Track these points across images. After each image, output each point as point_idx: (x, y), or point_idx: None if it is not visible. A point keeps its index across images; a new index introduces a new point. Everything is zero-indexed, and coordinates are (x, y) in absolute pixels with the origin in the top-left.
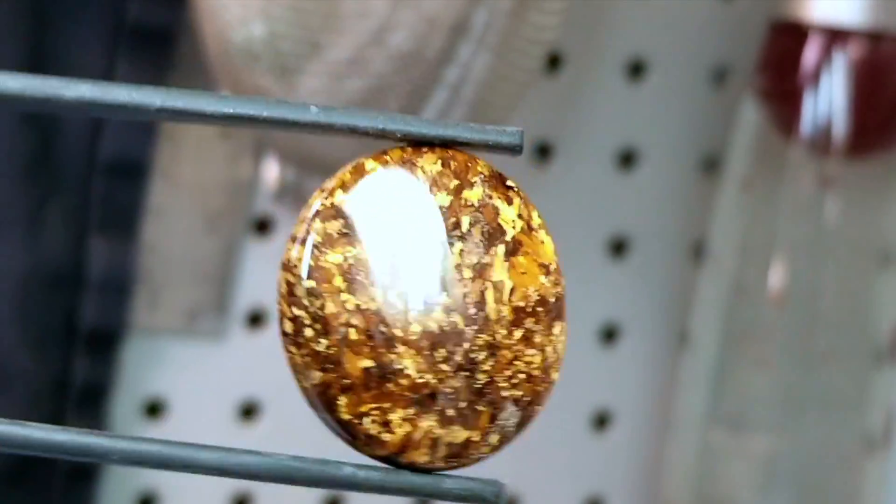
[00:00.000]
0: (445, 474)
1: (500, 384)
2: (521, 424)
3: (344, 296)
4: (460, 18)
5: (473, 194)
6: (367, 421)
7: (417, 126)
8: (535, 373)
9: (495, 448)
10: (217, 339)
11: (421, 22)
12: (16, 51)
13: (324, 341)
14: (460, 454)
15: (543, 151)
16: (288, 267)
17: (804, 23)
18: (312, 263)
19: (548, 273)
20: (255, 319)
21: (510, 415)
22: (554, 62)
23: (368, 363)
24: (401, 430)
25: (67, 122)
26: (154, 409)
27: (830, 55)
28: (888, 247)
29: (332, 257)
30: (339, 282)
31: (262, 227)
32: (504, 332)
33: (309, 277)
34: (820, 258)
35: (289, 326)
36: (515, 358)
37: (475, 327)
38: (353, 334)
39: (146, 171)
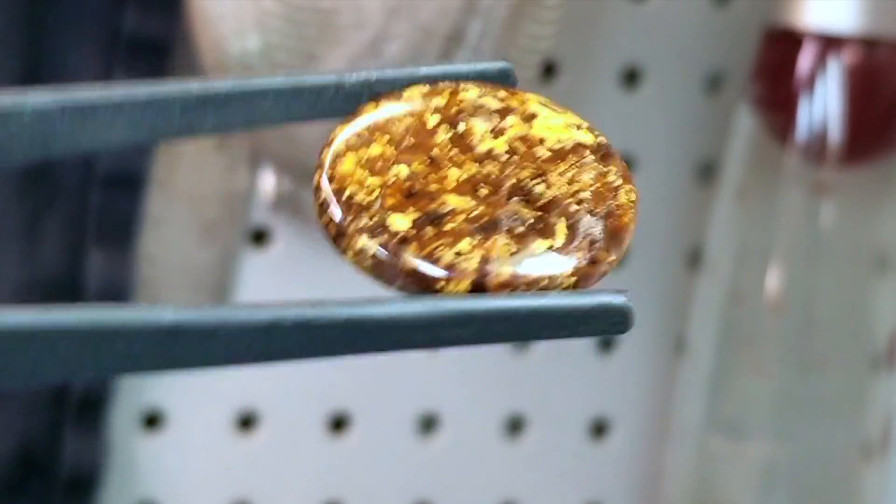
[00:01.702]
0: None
1: (566, 200)
2: (614, 237)
3: (370, 179)
4: (455, 28)
5: (468, 95)
6: (439, 254)
7: (414, 71)
8: (602, 189)
9: (589, 257)
10: None
11: (416, 32)
12: (12, 61)
13: (364, 218)
14: (546, 265)
15: None
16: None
17: (798, 30)
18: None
19: (578, 126)
20: None
21: (590, 224)
22: (549, 70)
23: (414, 215)
24: (476, 254)
25: None
26: (152, 420)
27: (825, 62)
28: (884, 253)
29: (350, 158)
30: (360, 174)
31: (259, 237)
32: (548, 165)
33: (331, 179)
34: (816, 264)
35: (326, 220)
36: (570, 182)
37: (513, 165)
38: (389, 201)
39: (143, 182)
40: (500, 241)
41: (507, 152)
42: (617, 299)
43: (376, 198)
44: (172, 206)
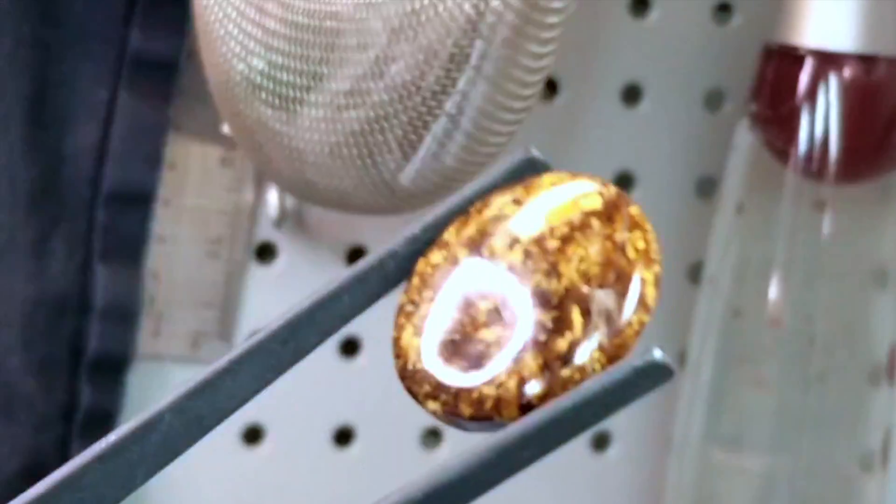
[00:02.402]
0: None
1: (577, 285)
2: (625, 295)
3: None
4: (457, 49)
5: (489, 212)
6: (485, 398)
7: None
8: (609, 255)
9: (610, 333)
10: None
11: (418, 53)
12: (19, 80)
13: (425, 385)
14: (573, 357)
15: None
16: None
17: (798, 47)
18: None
19: (585, 195)
20: None
21: (602, 298)
22: (550, 87)
23: (461, 365)
24: (513, 379)
25: (70, 152)
26: None
27: (824, 79)
28: (883, 268)
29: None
30: (415, 342)
31: (264, 253)
32: (558, 255)
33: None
34: (816, 279)
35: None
36: (580, 261)
37: (529, 272)
38: (440, 360)
39: (150, 199)
40: (528, 359)
41: (522, 261)
42: (647, 358)
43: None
44: (178, 223)
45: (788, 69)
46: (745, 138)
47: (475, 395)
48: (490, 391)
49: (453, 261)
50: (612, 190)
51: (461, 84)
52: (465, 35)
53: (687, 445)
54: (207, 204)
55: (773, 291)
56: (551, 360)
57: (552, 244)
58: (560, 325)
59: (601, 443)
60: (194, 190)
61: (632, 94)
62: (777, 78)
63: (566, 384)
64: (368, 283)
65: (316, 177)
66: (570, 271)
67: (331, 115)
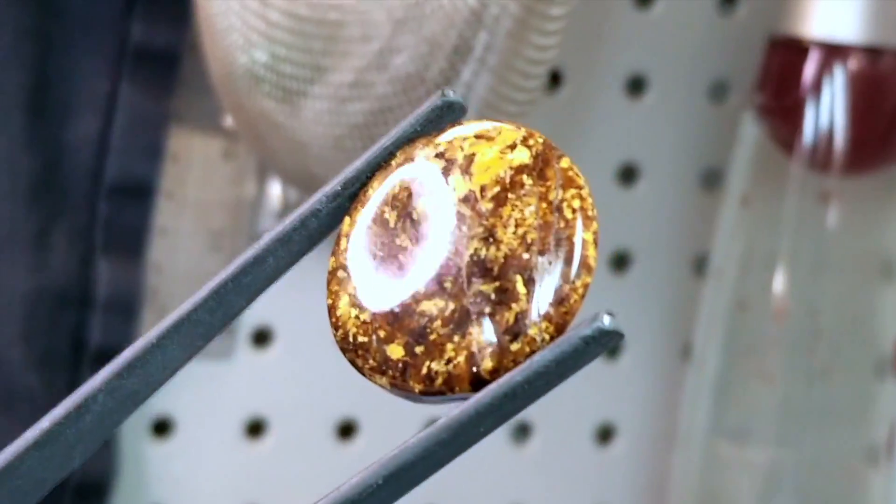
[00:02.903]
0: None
1: (517, 252)
2: (569, 262)
3: (362, 315)
4: (461, 40)
5: (413, 166)
6: (434, 374)
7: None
8: (547, 218)
9: (555, 302)
10: (223, 358)
11: (422, 44)
12: (19, 72)
13: (370, 360)
14: (520, 330)
15: None
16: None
17: (803, 38)
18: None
19: (511, 148)
20: (261, 338)
21: (545, 265)
22: (554, 79)
23: (403, 340)
24: (462, 354)
25: (72, 144)
26: (161, 428)
27: (830, 70)
28: (889, 260)
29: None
30: (353, 312)
31: None
32: (492, 218)
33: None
34: (821, 271)
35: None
36: (517, 224)
37: (464, 237)
38: (381, 333)
39: (151, 191)
40: (475, 333)
41: (456, 225)
42: (596, 326)
43: (371, 333)
44: (180, 216)
45: (793, 61)
46: (750, 130)
47: (423, 371)
48: (439, 367)
49: (383, 222)
50: (539, 141)
51: (465, 76)
52: (469, 27)
53: (692, 438)
54: (210, 196)
55: (779, 284)
56: (499, 334)
57: (485, 206)
58: (504, 295)
59: (606, 436)
60: (196, 182)
61: (636, 86)
62: (782, 70)
63: (516, 357)
64: (292, 243)
65: (319, 169)
66: (507, 237)
67: (334, 107)
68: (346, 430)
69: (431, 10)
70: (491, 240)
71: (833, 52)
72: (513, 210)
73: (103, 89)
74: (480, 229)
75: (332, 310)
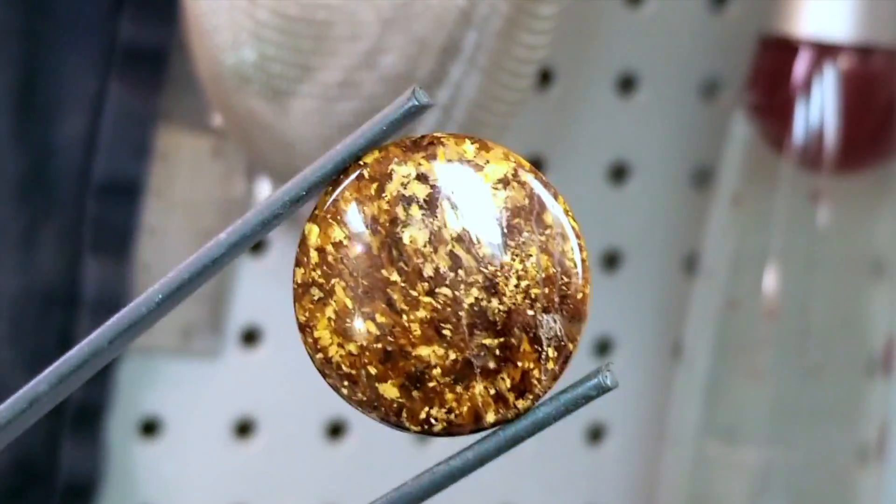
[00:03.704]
0: (538, 406)
1: (521, 309)
2: (574, 318)
3: (347, 346)
4: (450, 40)
5: (392, 186)
6: (433, 420)
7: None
8: (549, 272)
9: (559, 358)
10: (212, 358)
11: (411, 44)
12: (8, 70)
13: (358, 393)
14: (527, 388)
15: (535, 165)
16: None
17: (794, 37)
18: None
19: (504, 185)
20: (250, 337)
21: (550, 323)
22: (545, 77)
23: (398, 381)
24: (465, 406)
25: (60, 143)
26: (150, 428)
27: (820, 69)
28: (879, 259)
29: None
30: (336, 340)
31: (256, 245)
32: (492, 267)
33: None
34: (812, 270)
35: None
36: (519, 277)
37: (462, 283)
38: (371, 370)
39: (139, 190)
40: (480, 388)
41: (450, 268)
42: (599, 387)
43: (360, 367)
44: (169, 215)
45: (784, 59)
46: (740, 129)
47: (422, 416)
48: (439, 415)
49: (364, 246)
50: (526, 176)
51: (455, 75)
52: (458, 26)
53: (682, 438)
54: (198, 196)
55: (769, 282)
56: (504, 391)
57: (484, 251)
58: (509, 352)
59: (596, 435)
60: (185, 181)
61: (627, 85)
62: (773, 68)
63: (520, 412)
64: (249, 241)
65: (307, 166)
66: (510, 290)
67: (323, 106)
68: (336, 430)
69: (420, 10)
70: (493, 290)
71: (823, 51)
72: (514, 260)
73: (91, 88)
74: (480, 277)
75: (306, 328)
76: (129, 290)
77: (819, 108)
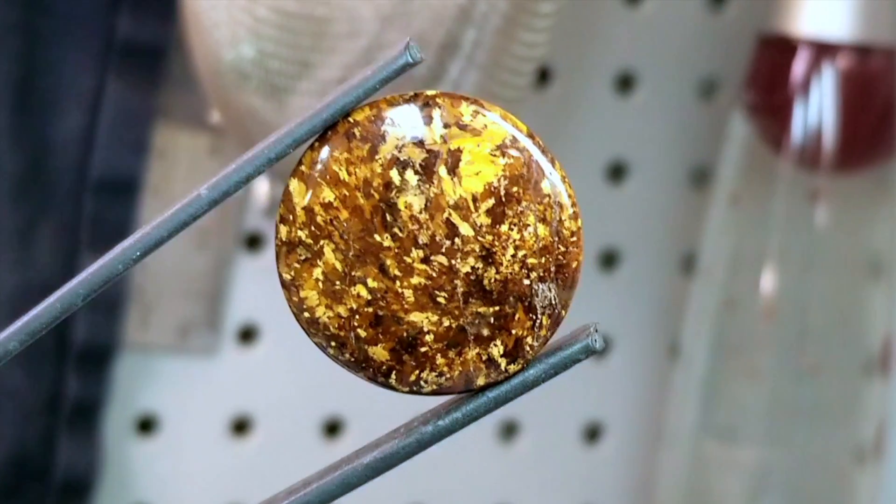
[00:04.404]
0: (526, 368)
1: (517, 278)
2: (565, 286)
3: (336, 308)
4: (449, 37)
5: (386, 148)
6: (423, 382)
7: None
8: (546, 241)
9: (552, 325)
10: (209, 355)
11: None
12: (7, 66)
13: (346, 354)
14: (519, 354)
15: None
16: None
17: (792, 37)
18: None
19: (502, 152)
20: (247, 335)
21: (545, 291)
22: (543, 76)
23: (389, 345)
24: (456, 370)
25: (57, 140)
26: (146, 425)
27: (819, 69)
28: (877, 259)
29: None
30: (324, 301)
31: (253, 242)
32: (490, 236)
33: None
34: (809, 270)
35: (331, 351)
36: (516, 247)
37: (458, 252)
38: (361, 333)
39: (137, 187)
40: (472, 354)
41: (447, 236)
42: (588, 349)
43: (349, 330)
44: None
45: (783, 59)
46: (739, 128)
47: (412, 378)
48: (429, 377)
49: (355, 210)
50: (528, 142)
51: (453, 72)
52: (457, 23)
53: (680, 437)
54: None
55: (767, 282)
56: (497, 357)
57: (480, 220)
58: (503, 321)
59: (593, 435)
60: (183, 178)
61: (625, 84)
62: (771, 68)
63: (510, 373)
64: (225, 199)
65: None
66: (507, 260)
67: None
68: (333, 428)
69: (419, 7)
70: (489, 260)
71: (822, 51)
72: (511, 230)
73: (89, 85)
74: (477, 246)
75: (291, 287)
76: (126, 287)
77: (817, 107)
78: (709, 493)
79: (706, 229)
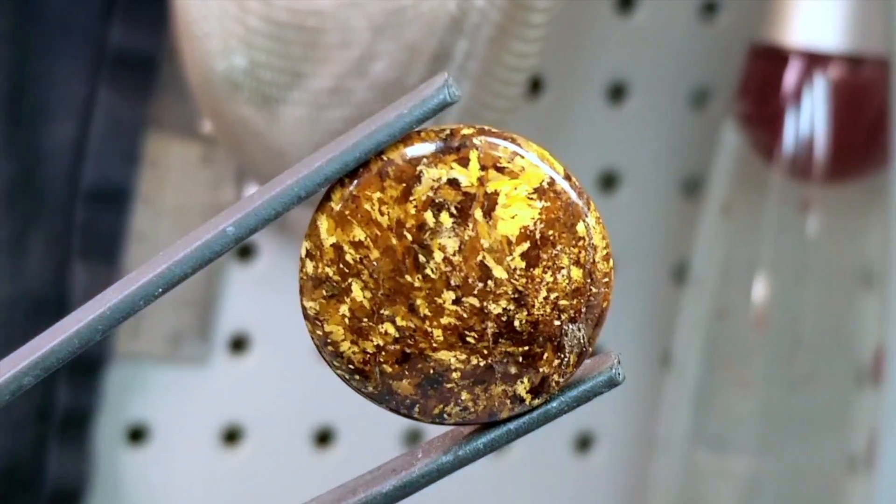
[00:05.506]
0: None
1: (548, 319)
2: (595, 325)
3: (361, 343)
4: (441, 47)
5: (421, 189)
6: (446, 415)
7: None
8: (579, 283)
9: (578, 362)
10: (200, 365)
11: (402, 51)
12: None
13: (369, 387)
14: (544, 390)
15: None
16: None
17: (784, 47)
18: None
19: (539, 195)
20: (238, 345)
21: (575, 332)
22: (535, 86)
23: (415, 380)
24: (481, 405)
25: (49, 148)
26: (137, 435)
27: (810, 79)
28: (869, 268)
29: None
30: (349, 337)
31: (245, 252)
32: (523, 279)
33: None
34: (801, 280)
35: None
36: (549, 290)
37: (490, 294)
38: (387, 368)
39: (128, 197)
40: (498, 390)
41: (480, 278)
42: (611, 382)
43: (374, 365)
44: (158, 222)
45: (774, 69)
46: (730, 138)
47: (435, 411)
48: (454, 412)
49: (386, 250)
50: (561, 184)
51: None
52: (449, 33)
53: (671, 447)
54: (187, 202)
55: (759, 292)
56: (522, 393)
57: (515, 263)
58: (531, 360)
59: (585, 444)
60: (174, 188)
61: (617, 94)
62: (763, 78)
63: (533, 409)
64: (256, 228)
65: None
66: (539, 302)
67: (313, 114)
68: (324, 438)
69: (411, 17)
70: (521, 303)
71: (814, 61)
72: (544, 273)
73: (81, 94)
74: (510, 288)
75: (316, 321)
76: None
77: (809, 117)
78: (701, 502)
79: (698, 238)
